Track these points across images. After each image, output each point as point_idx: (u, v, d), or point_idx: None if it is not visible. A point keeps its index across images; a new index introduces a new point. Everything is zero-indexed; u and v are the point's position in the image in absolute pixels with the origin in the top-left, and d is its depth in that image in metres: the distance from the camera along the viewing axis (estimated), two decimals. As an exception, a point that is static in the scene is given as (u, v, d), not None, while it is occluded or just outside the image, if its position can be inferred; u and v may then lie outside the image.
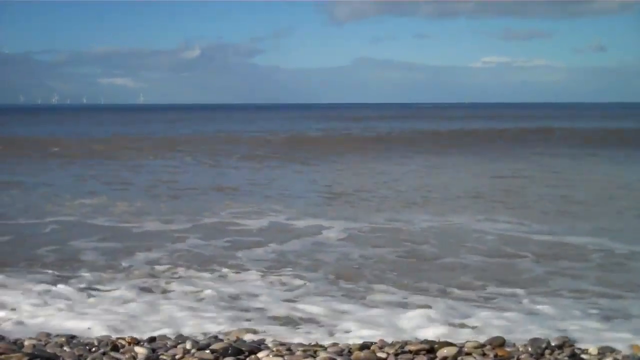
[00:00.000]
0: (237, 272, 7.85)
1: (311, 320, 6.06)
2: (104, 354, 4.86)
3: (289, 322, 6.02)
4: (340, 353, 4.94)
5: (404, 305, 6.53)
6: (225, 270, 7.96)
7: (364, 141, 31.14)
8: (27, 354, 4.68)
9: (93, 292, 6.90)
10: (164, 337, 5.33)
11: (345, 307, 6.46)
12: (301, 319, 6.11)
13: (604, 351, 4.97)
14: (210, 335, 5.50)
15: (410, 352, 4.93)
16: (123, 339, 5.17)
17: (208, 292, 6.92)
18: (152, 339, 5.25)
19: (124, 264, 8.29)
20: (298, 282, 7.44)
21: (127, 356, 4.80)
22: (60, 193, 14.51)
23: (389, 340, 5.25)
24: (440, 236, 9.88)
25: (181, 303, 6.52)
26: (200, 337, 5.39)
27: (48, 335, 5.40)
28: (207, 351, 4.92)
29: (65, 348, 4.98)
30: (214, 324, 5.85)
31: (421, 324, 5.86)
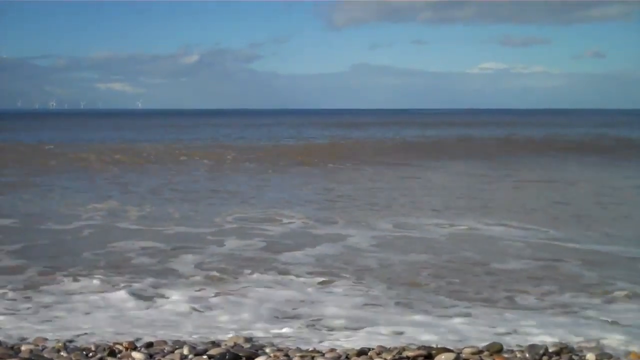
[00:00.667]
0: (290, 277, 7.90)
1: (374, 326, 6.05)
2: (100, 359, 4.85)
3: (353, 328, 6.00)
4: (337, 359, 4.93)
5: (465, 313, 6.45)
6: (275, 274, 8.01)
7: (363, 148, 30.73)
8: (23, 359, 4.67)
9: (162, 297, 7.00)
10: (161, 342, 5.31)
11: (407, 315, 6.42)
12: (365, 324, 6.09)
13: (602, 357, 4.96)
14: (208, 340, 5.49)
15: (407, 357, 4.91)
16: (120, 344, 5.15)
17: (274, 297, 7.03)
18: (149, 344, 5.23)
19: (177, 267, 8.40)
20: (353, 288, 7.41)
21: (124, 361, 4.78)
22: (70, 197, 14.64)
23: (388, 345, 5.24)
24: (467, 242, 9.90)
25: (253, 308, 6.60)
26: (198, 342, 5.38)
27: (45, 340, 5.38)
28: (205, 357, 4.91)
29: (62, 353, 4.96)
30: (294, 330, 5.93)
31: (488, 331, 5.79)
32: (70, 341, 5.36)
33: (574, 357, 4.98)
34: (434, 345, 5.18)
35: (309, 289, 7.34)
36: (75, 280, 7.61)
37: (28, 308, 6.51)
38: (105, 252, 9.21)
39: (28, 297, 6.89)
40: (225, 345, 5.24)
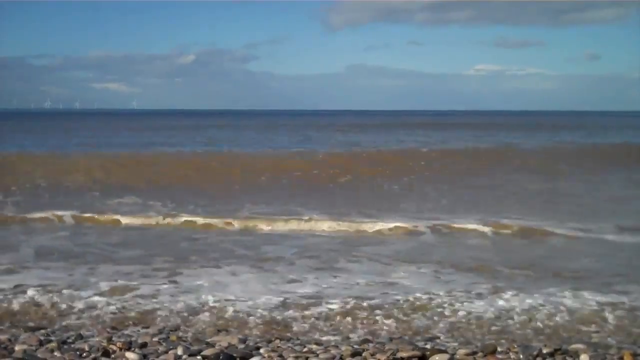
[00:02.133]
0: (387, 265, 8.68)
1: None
2: (94, 359, 4.84)
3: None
4: (332, 359, 4.92)
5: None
6: (375, 264, 8.77)
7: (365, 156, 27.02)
8: (17, 359, 4.65)
9: (295, 281, 7.81)
10: (155, 343, 5.31)
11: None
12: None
13: (595, 358, 4.96)
14: (203, 340, 5.48)
15: (402, 359, 4.91)
16: (114, 344, 5.14)
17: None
18: (143, 345, 5.22)
19: (281, 255, 9.31)
20: (449, 277, 7.94)
21: (118, 362, 4.77)
22: (88, 193, 15.42)
23: (383, 347, 5.24)
24: (536, 241, 10.36)
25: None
26: (194, 342, 5.38)
27: (40, 341, 5.37)
28: (199, 357, 4.90)
29: (55, 353, 4.95)
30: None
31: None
32: (64, 342, 5.36)
33: (567, 358, 4.97)
34: (428, 347, 5.18)
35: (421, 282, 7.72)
36: (205, 271, 8.33)
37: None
38: (199, 244, 10.21)
39: (175, 282, 7.78)
40: (220, 345, 5.23)
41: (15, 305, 6.73)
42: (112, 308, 6.65)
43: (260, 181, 18.21)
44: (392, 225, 11.39)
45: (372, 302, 6.76)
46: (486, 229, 11.07)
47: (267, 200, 14.53)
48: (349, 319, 6.35)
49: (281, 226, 11.69)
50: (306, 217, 12.10)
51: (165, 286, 7.52)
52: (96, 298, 6.96)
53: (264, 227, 11.68)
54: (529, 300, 6.69)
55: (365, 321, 6.29)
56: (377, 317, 6.37)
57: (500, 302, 6.69)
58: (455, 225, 11.33)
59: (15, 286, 7.40)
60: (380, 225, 11.43)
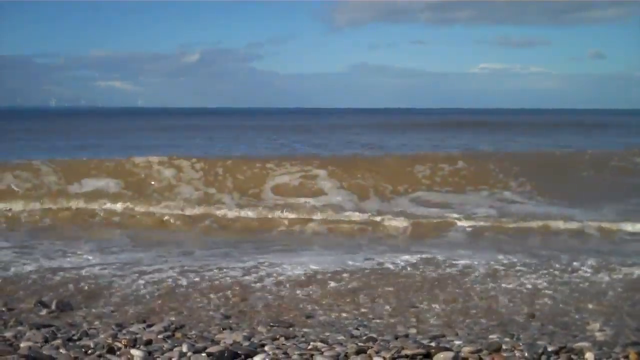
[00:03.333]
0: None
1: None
2: (99, 356, 4.85)
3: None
4: (336, 357, 4.92)
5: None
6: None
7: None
8: (22, 356, 4.68)
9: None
10: (160, 340, 5.33)
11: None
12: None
13: (600, 357, 4.94)
14: (208, 337, 5.50)
15: (406, 356, 4.89)
16: (119, 341, 5.16)
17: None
18: (148, 342, 5.24)
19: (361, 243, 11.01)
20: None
21: (122, 359, 4.79)
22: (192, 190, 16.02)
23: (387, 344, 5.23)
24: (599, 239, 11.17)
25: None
26: (199, 339, 5.39)
27: (45, 338, 5.40)
28: (204, 354, 4.91)
29: (61, 350, 4.97)
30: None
31: None
32: (70, 339, 5.38)
33: (572, 356, 4.95)
34: (433, 344, 5.17)
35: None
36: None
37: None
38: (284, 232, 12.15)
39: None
40: (224, 342, 5.24)
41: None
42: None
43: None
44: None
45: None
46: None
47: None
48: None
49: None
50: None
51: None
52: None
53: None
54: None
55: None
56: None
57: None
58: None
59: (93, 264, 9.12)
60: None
